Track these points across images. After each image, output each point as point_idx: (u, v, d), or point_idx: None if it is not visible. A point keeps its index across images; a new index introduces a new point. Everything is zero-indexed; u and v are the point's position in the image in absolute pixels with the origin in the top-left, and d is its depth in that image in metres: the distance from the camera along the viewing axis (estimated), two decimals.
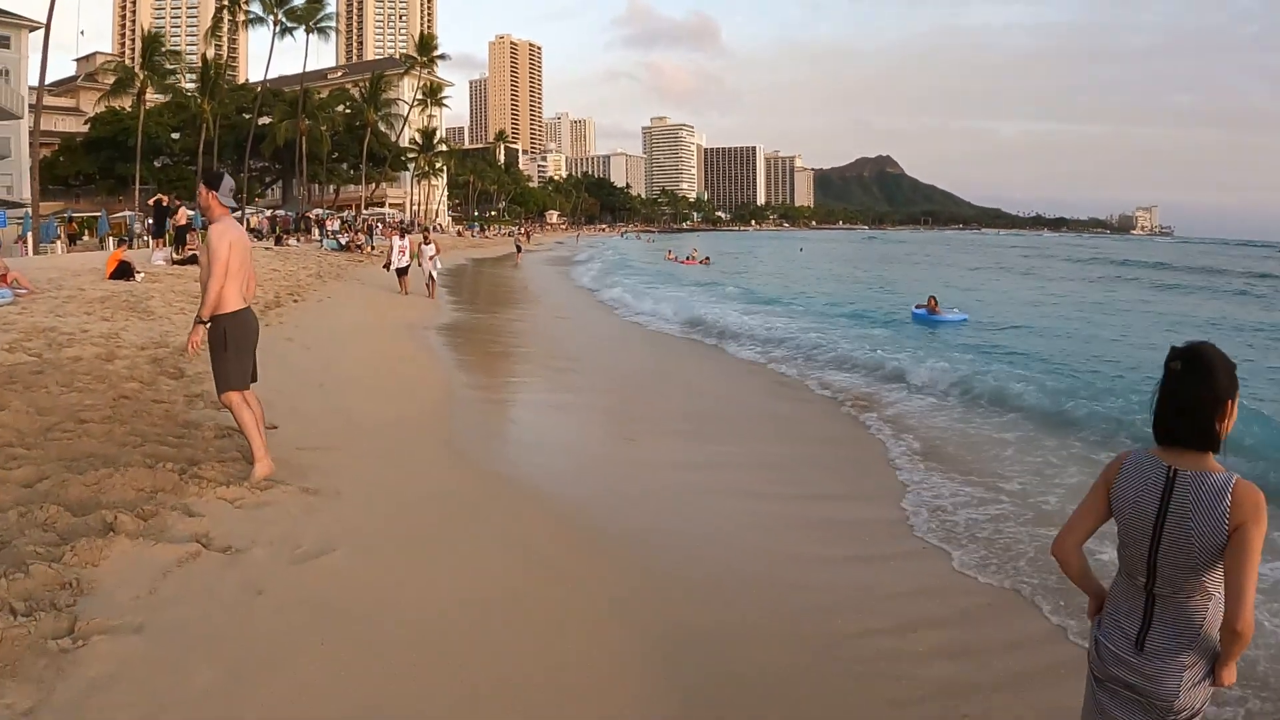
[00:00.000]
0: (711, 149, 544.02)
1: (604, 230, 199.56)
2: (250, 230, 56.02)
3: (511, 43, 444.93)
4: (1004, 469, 10.49)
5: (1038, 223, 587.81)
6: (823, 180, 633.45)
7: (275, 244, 48.80)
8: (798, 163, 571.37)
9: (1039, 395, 14.41)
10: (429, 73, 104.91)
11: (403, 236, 30.67)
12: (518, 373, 18.14)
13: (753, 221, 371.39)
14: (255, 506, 7.02)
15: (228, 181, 7.57)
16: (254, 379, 7.87)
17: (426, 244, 30.27)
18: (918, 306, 29.62)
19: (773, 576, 7.08)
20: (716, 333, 23.71)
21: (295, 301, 22.97)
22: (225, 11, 75.67)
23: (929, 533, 8.26)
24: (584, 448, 11.63)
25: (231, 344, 7.50)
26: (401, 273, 29.42)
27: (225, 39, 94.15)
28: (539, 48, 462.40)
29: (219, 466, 7.70)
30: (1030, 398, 14.31)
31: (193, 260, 26.79)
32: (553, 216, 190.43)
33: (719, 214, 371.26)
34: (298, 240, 55.31)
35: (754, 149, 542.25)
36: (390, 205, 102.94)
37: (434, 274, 29.76)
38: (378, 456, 9.27)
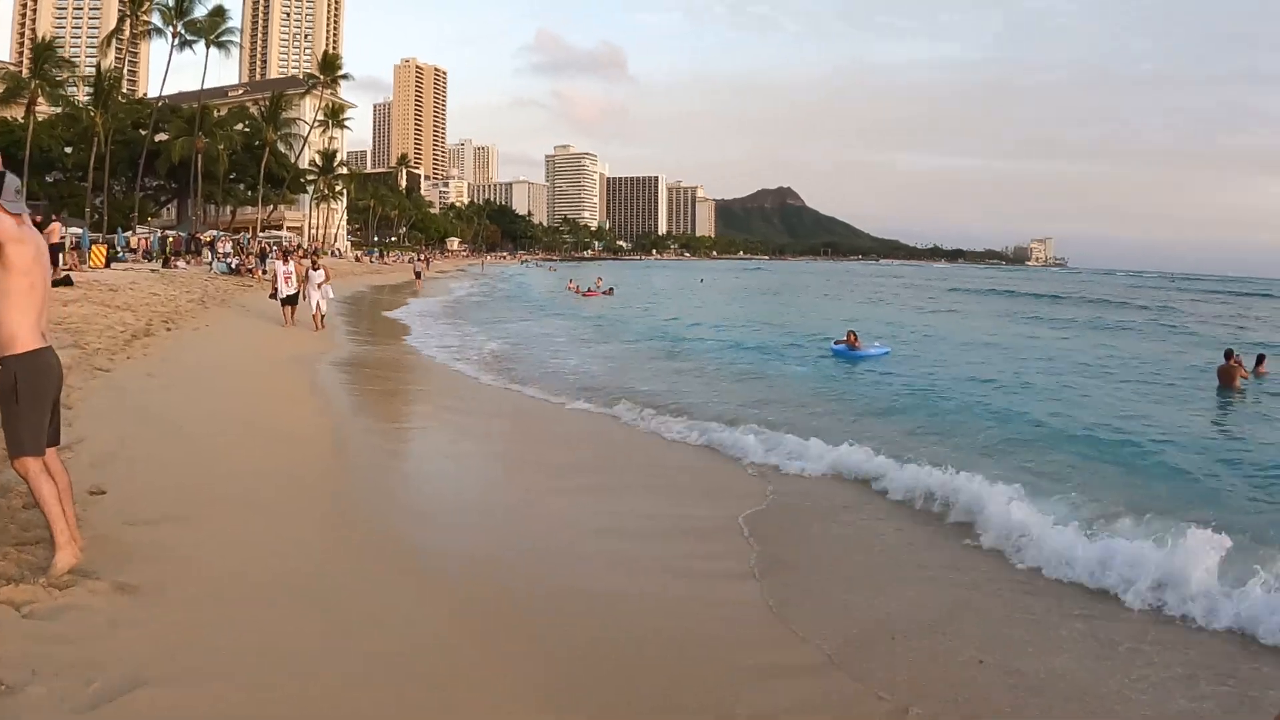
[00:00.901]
0: (614, 178, 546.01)
1: (504, 258, 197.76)
2: (129, 250, 53.65)
3: (417, 66, 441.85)
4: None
5: (935, 254, 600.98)
6: (724, 211, 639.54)
7: (163, 266, 46.36)
8: (700, 193, 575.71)
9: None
10: (332, 93, 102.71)
11: (287, 261, 28.34)
12: (412, 416, 16.87)
13: (654, 251, 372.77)
14: (49, 614, 5.18)
15: (11, 181, 5.48)
16: (55, 441, 6.05)
17: (315, 270, 28.06)
18: (837, 342, 28.49)
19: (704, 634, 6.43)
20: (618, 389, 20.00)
21: (168, 330, 21.10)
22: (126, 21, 73.02)
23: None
24: (497, 508, 10.02)
25: (25, 395, 5.65)
26: (287, 301, 27.23)
27: (125, 50, 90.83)
28: (445, 72, 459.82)
29: (15, 554, 5.91)
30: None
31: (66, 283, 24.91)
32: (454, 243, 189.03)
33: (620, 243, 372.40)
34: (187, 262, 52.56)
35: (656, 179, 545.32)
36: (288, 228, 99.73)
37: (322, 303, 27.48)
38: (236, 528, 7.50)
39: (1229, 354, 24.28)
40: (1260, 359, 25.96)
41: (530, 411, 16.85)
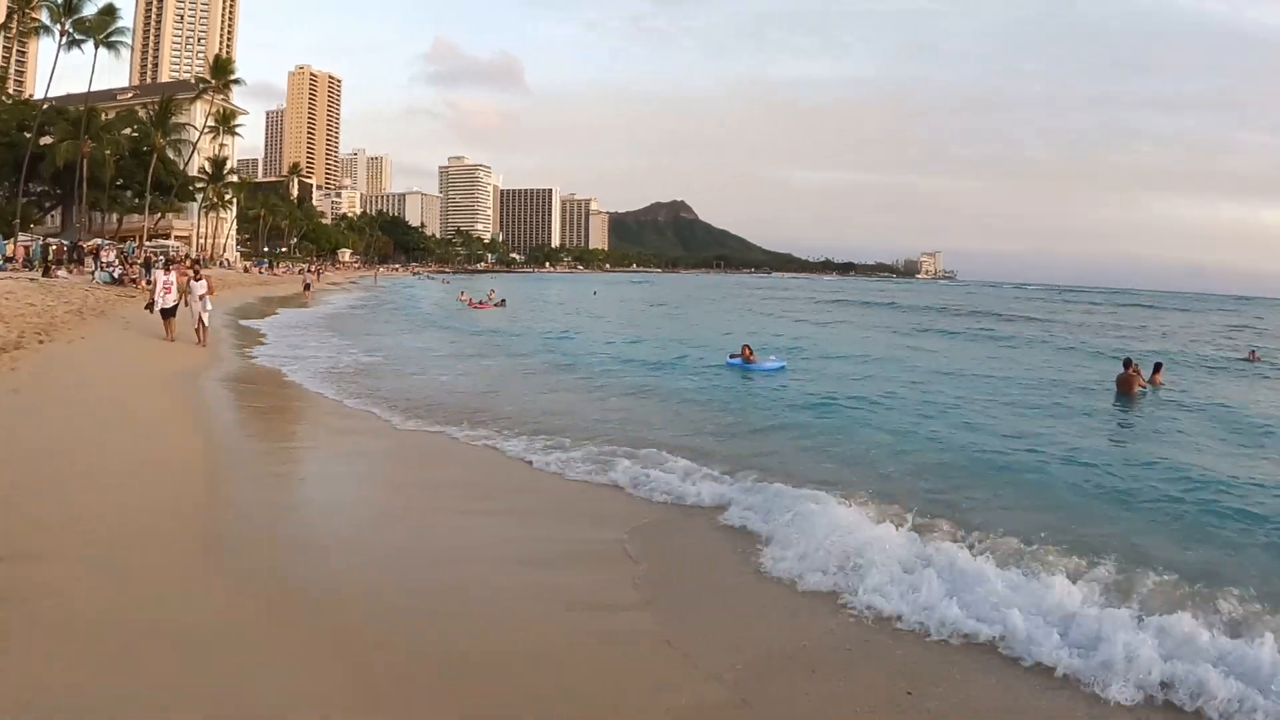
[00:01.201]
0: (508, 190, 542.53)
1: (397, 270, 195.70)
2: (7, 260, 52.04)
3: (312, 74, 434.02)
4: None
5: (826, 267, 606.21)
6: (618, 224, 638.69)
7: (43, 275, 44.94)
8: (593, 205, 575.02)
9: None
10: (223, 98, 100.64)
11: (167, 271, 27.38)
12: (297, 437, 16.23)
13: (547, 264, 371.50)
14: None
15: None
16: None
17: (197, 280, 27.18)
18: (732, 356, 28.42)
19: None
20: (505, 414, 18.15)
21: (41, 342, 20.39)
22: (14, 17, 70.77)
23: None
24: (399, 542, 9.33)
25: None
26: (167, 314, 26.09)
27: (14, 47, 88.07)
28: (339, 80, 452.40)
29: None
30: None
31: None
32: (346, 255, 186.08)
33: (514, 255, 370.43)
34: (69, 271, 51.22)
35: (550, 191, 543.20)
36: (176, 238, 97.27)
37: (204, 316, 26.36)
38: (96, 566, 6.91)
39: (1127, 363, 25.06)
40: (1157, 368, 26.81)
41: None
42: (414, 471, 13.02)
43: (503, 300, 69.48)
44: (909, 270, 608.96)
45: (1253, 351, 41.98)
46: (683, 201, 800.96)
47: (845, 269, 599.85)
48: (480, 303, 67.25)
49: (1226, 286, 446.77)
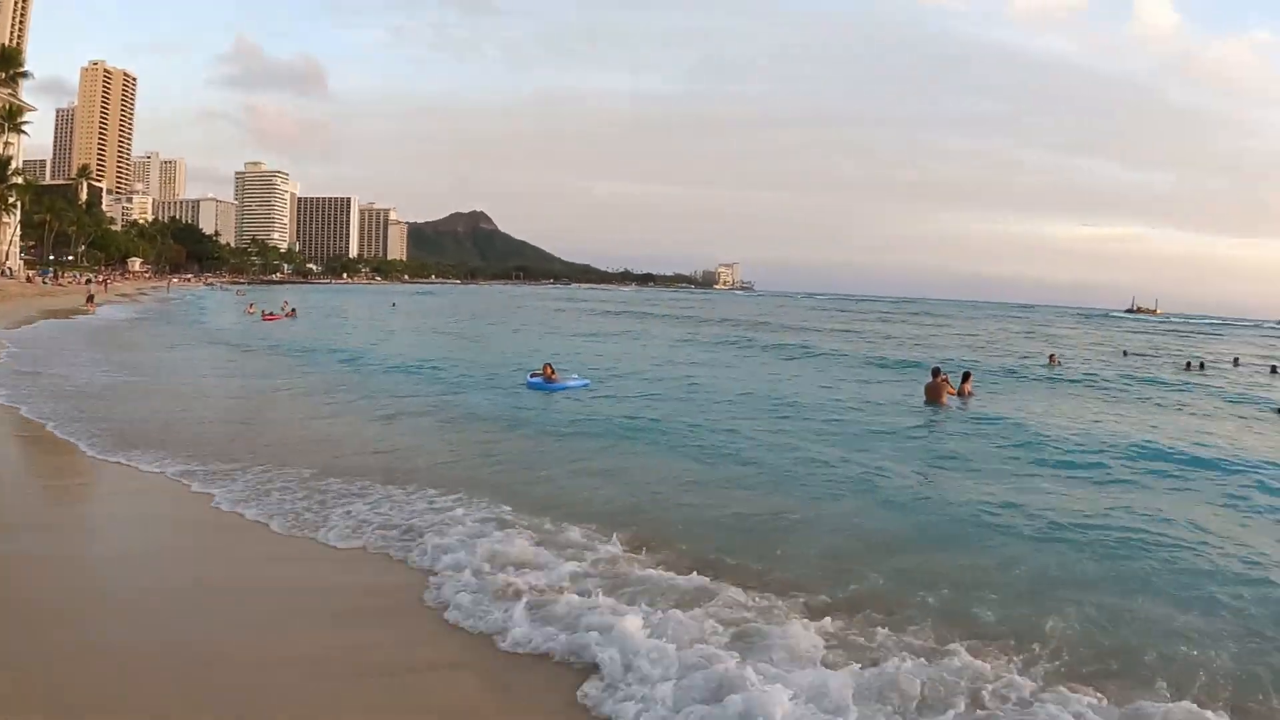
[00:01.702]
0: (306, 198, 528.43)
1: (190, 280, 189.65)
2: None
3: (106, 70, 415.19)
4: None
5: (625, 278, 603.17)
6: (417, 234, 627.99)
7: None
8: (392, 215, 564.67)
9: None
10: (10, 93, 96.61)
11: None
12: (63, 471, 15.11)
13: (345, 274, 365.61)
14: None
15: None
16: None
17: None
18: (533, 375, 27.64)
19: None
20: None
21: None
22: None
23: None
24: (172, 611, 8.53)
25: None
26: None
27: None
28: (134, 79, 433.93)
29: None
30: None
31: None
32: (136, 264, 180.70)
33: (310, 265, 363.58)
34: None
35: (349, 200, 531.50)
36: None
37: None
38: None
39: (936, 372, 25.59)
40: (966, 377, 27.50)
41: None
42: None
43: (293, 310, 68.96)
44: (707, 281, 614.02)
45: (1052, 356, 44.92)
46: (482, 212, 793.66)
47: (644, 280, 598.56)
48: (271, 314, 66.25)
49: (1015, 295, 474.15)
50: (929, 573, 10.06)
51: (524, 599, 8.60)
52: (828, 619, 8.35)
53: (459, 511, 12.00)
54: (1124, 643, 8.34)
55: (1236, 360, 52.91)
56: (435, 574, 9.62)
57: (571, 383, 27.51)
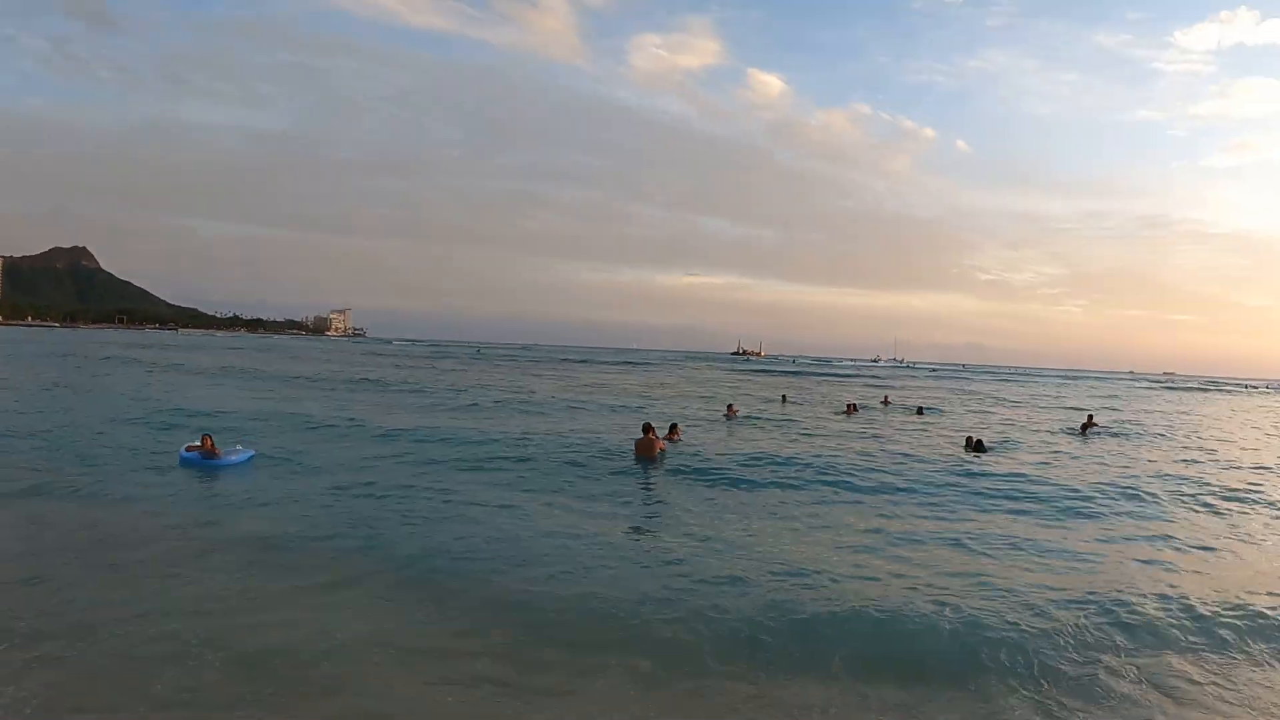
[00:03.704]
0: None
1: None
2: None
3: None
4: None
5: (235, 323, 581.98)
6: (13, 271, 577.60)
7: None
8: None
9: None
10: None
11: None
12: None
13: None
14: None
15: None
16: None
17: None
18: (188, 448, 21.49)
19: None
20: None
21: None
22: None
23: None
24: None
25: None
26: None
27: None
28: None
29: None
30: None
31: None
32: None
33: None
34: None
35: None
36: None
37: None
38: None
39: (647, 428, 23.99)
40: (673, 427, 27.41)
41: None
42: None
43: None
44: (319, 327, 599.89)
45: (731, 406, 41.40)
46: (84, 248, 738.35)
47: (254, 325, 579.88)
48: None
49: (625, 341, 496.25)
50: None
51: None
52: None
53: None
54: None
55: (886, 399, 56.52)
56: None
57: (236, 457, 21.76)
